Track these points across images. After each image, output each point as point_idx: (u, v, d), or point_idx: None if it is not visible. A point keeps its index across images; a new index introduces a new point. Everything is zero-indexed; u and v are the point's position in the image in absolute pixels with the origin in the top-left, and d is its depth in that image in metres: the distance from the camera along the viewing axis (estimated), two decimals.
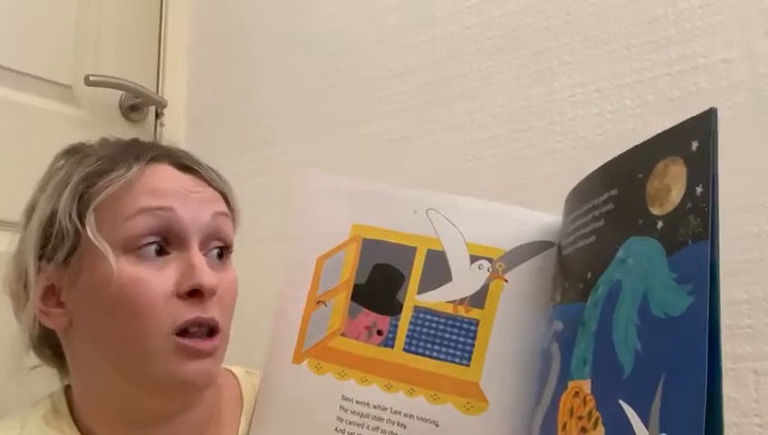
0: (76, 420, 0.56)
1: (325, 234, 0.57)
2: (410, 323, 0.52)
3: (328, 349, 0.54)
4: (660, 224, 0.38)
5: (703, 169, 0.35)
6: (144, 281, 0.50)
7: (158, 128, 1.26)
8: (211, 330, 0.53)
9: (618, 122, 0.76)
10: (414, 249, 0.53)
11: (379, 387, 0.51)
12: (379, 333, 0.52)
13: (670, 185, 0.37)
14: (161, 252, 0.52)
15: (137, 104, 1.22)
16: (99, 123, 1.16)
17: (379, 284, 0.54)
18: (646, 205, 0.39)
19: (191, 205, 0.53)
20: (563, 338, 0.45)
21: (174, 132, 1.25)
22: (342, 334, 0.53)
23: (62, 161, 0.55)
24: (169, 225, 0.52)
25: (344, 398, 0.52)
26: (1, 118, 1.03)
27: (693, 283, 0.34)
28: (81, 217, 0.51)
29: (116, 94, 1.20)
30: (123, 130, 1.19)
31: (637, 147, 0.43)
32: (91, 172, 0.52)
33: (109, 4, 1.20)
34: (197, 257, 0.52)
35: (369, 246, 0.55)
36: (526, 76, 0.84)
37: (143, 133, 1.23)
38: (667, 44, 0.73)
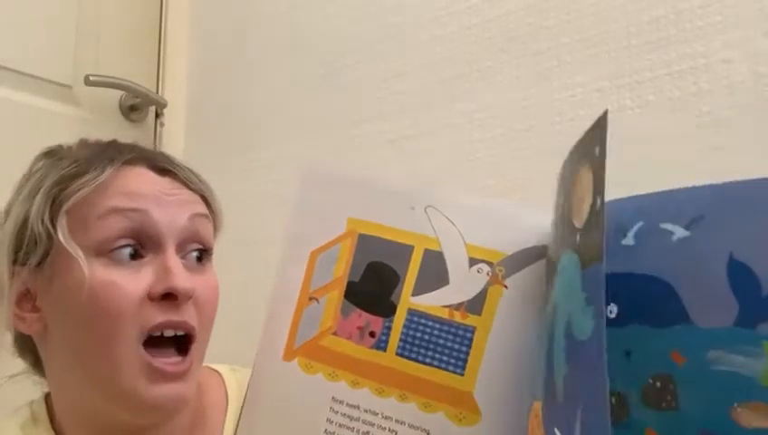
0: (56, 429, 0.55)
1: (320, 227, 0.55)
2: (404, 326, 0.50)
3: (319, 348, 0.52)
4: (578, 237, 0.35)
5: (600, 179, 0.32)
6: (116, 284, 0.49)
7: (158, 128, 1.26)
8: (186, 337, 0.51)
9: (618, 122, 0.76)
10: (411, 248, 0.51)
11: (371, 391, 0.50)
12: (372, 334, 0.51)
13: (583, 195, 0.35)
14: (136, 256, 0.50)
15: (137, 104, 1.22)
16: (99, 123, 1.16)
17: (374, 283, 0.52)
18: (571, 215, 0.37)
19: (167, 207, 0.52)
20: (542, 354, 0.44)
21: (174, 132, 1.25)
22: (334, 333, 0.52)
23: (40, 164, 0.55)
24: (143, 227, 0.51)
25: (334, 400, 0.50)
26: (1, 118, 1.03)
27: (594, 305, 0.32)
28: (54, 221, 0.50)
29: (116, 94, 1.20)
30: (123, 130, 1.19)
31: (575, 146, 0.40)
32: (65, 175, 0.51)
33: (109, 4, 1.20)
34: (173, 260, 0.51)
35: (365, 242, 0.53)
36: (526, 76, 0.84)
37: (143, 133, 1.23)
38: (667, 44, 0.73)
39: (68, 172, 0.52)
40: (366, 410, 0.50)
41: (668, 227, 0.35)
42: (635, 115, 0.75)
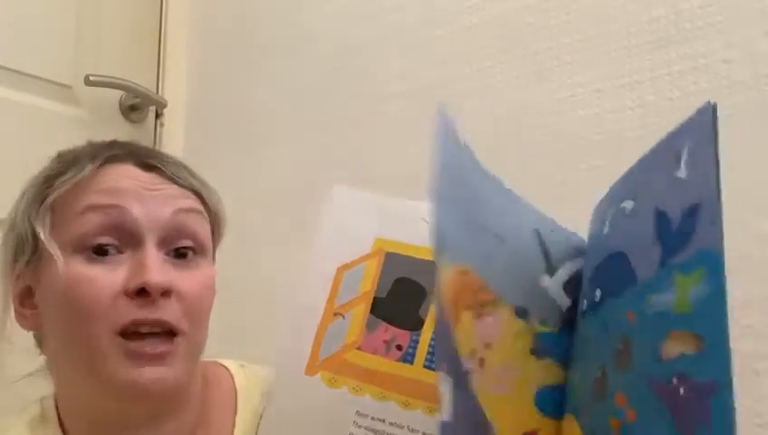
0: (63, 426, 0.55)
1: (348, 246, 0.55)
2: (432, 338, 0.50)
3: (343, 362, 0.52)
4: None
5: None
6: (90, 279, 0.49)
7: (158, 128, 1.26)
8: (169, 333, 0.50)
9: (618, 122, 0.76)
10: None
11: (397, 404, 0.49)
12: (399, 347, 0.51)
13: None
14: (114, 252, 0.50)
15: (137, 104, 1.22)
16: (99, 123, 1.16)
17: (401, 298, 0.52)
18: None
19: (147, 202, 0.52)
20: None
21: (174, 132, 1.25)
22: (359, 348, 0.52)
23: (45, 165, 0.57)
24: (121, 223, 0.50)
25: (359, 414, 0.50)
26: (1, 118, 1.03)
27: None
28: (37, 219, 0.51)
29: (116, 94, 1.20)
30: (123, 131, 1.19)
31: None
32: (50, 174, 0.53)
33: (109, 4, 1.20)
34: (150, 256, 0.50)
35: (392, 260, 0.54)
36: (526, 76, 0.84)
37: (143, 133, 1.23)
38: (667, 44, 0.73)
39: (53, 171, 0.53)
40: (392, 424, 0.49)
41: (625, 204, 0.39)
42: (635, 115, 0.75)
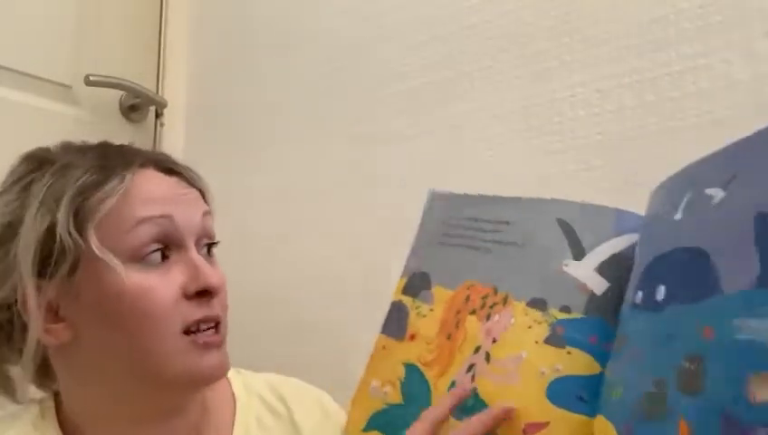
0: (62, 427, 0.57)
1: None
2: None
3: None
4: None
5: None
6: (153, 288, 0.52)
7: (158, 128, 1.26)
8: (216, 325, 0.55)
9: (618, 122, 0.76)
10: None
11: None
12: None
13: None
14: (164, 257, 0.54)
15: (137, 104, 1.22)
16: (99, 123, 1.16)
17: None
18: None
19: (184, 208, 0.55)
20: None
21: (174, 132, 1.25)
22: None
23: (36, 174, 0.54)
24: (169, 231, 0.54)
25: None
26: (1, 118, 1.03)
27: None
28: (82, 232, 0.51)
29: (116, 94, 1.20)
30: (123, 130, 1.19)
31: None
32: (85, 185, 0.52)
33: (109, 4, 1.20)
34: (198, 258, 0.54)
35: None
36: (526, 76, 0.84)
37: (143, 133, 1.24)
38: (667, 44, 0.73)
39: (86, 182, 0.52)
40: None
41: (711, 191, 0.32)
42: (635, 115, 0.75)
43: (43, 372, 0.57)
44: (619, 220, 0.46)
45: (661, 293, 0.33)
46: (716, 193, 0.31)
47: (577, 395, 0.41)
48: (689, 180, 0.35)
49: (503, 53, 0.86)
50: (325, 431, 0.63)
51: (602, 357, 0.41)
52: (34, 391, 0.60)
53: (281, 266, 1.07)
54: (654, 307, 0.34)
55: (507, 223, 0.50)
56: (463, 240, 0.53)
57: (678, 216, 0.35)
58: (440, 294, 0.52)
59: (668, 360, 0.30)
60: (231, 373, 0.65)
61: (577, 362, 0.42)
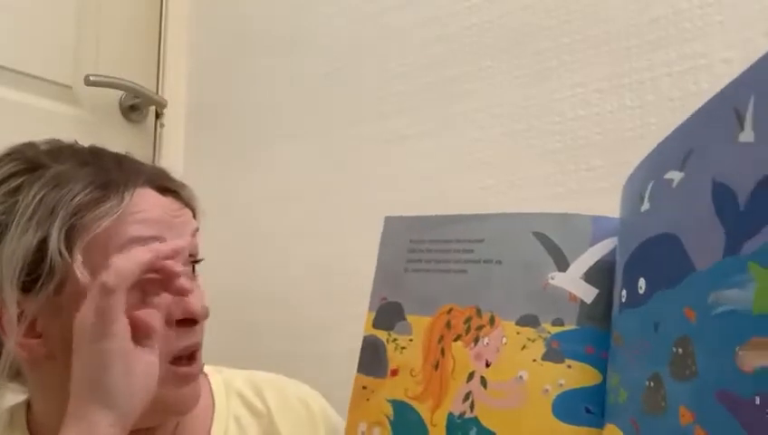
0: (31, 433, 0.57)
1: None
2: None
3: None
4: None
5: None
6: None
7: (158, 128, 1.26)
8: (193, 353, 0.54)
9: (618, 122, 0.76)
10: None
11: None
12: None
13: None
14: None
15: (137, 104, 1.22)
16: (99, 123, 1.16)
17: None
18: None
19: (176, 230, 0.54)
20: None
21: (174, 132, 1.25)
22: None
23: (25, 178, 0.51)
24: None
25: None
26: (1, 118, 1.03)
27: None
28: (72, 251, 0.49)
29: (116, 94, 1.20)
30: (123, 131, 1.19)
31: None
32: (83, 203, 0.50)
33: (109, 4, 1.20)
34: (186, 283, 0.51)
35: None
36: (526, 76, 0.84)
37: (143, 133, 1.24)
38: (667, 44, 0.73)
39: (83, 200, 0.50)
40: None
41: (670, 175, 0.32)
42: (635, 115, 0.75)
43: (21, 377, 0.56)
44: (596, 226, 0.46)
45: (641, 286, 0.34)
46: (675, 175, 0.32)
47: (584, 408, 0.41)
48: (650, 168, 0.36)
49: (503, 53, 0.86)
50: (306, 431, 0.62)
51: (602, 365, 0.41)
52: (11, 399, 0.59)
53: (281, 266, 1.07)
54: (639, 302, 0.34)
55: (480, 241, 0.49)
56: (430, 265, 0.51)
57: (645, 206, 0.35)
58: (417, 322, 0.50)
59: (660, 350, 0.31)
60: (211, 372, 0.64)
61: (579, 375, 0.42)
